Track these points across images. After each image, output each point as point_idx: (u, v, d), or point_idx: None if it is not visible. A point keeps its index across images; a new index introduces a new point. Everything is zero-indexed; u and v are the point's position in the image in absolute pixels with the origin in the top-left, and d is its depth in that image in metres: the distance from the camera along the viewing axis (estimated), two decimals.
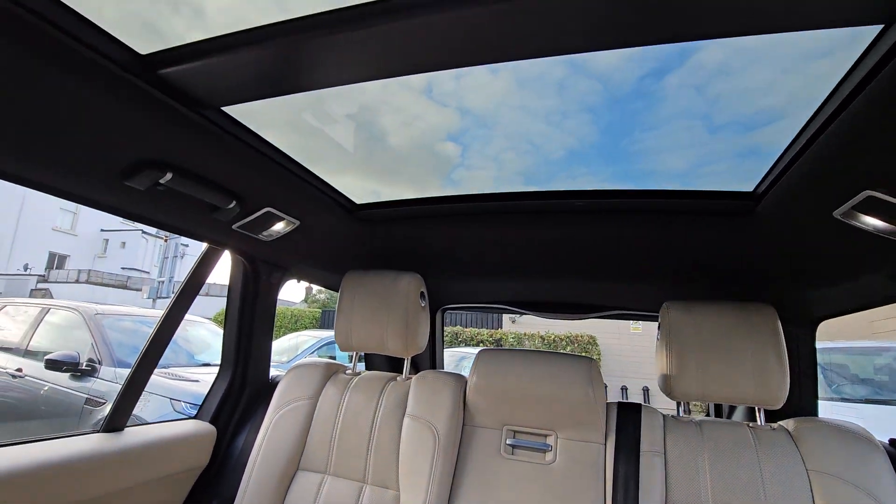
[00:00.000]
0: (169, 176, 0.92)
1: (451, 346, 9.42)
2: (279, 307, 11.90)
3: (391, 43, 0.68)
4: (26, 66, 0.66)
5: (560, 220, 1.29)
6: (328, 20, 0.68)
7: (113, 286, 15.35)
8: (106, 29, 0.71)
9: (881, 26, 0.58)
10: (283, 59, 0.74)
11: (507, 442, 1.29)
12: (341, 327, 1.44)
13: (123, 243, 19.89)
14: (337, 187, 1.30)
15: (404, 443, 1.27)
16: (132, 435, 1.24)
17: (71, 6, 0.65)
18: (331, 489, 1.29)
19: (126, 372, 1.26)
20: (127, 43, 0.74)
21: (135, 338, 4.51)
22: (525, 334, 10.37)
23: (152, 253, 19.22)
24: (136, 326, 4.61)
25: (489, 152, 1.44)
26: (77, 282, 15.00)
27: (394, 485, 1.26)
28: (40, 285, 14.31)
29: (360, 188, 1.38)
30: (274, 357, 1.76)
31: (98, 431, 1.21)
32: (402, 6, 0.63)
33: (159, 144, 0.88)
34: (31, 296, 12.68)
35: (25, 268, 15.45)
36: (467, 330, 10.59)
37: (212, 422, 1.46)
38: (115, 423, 1.24)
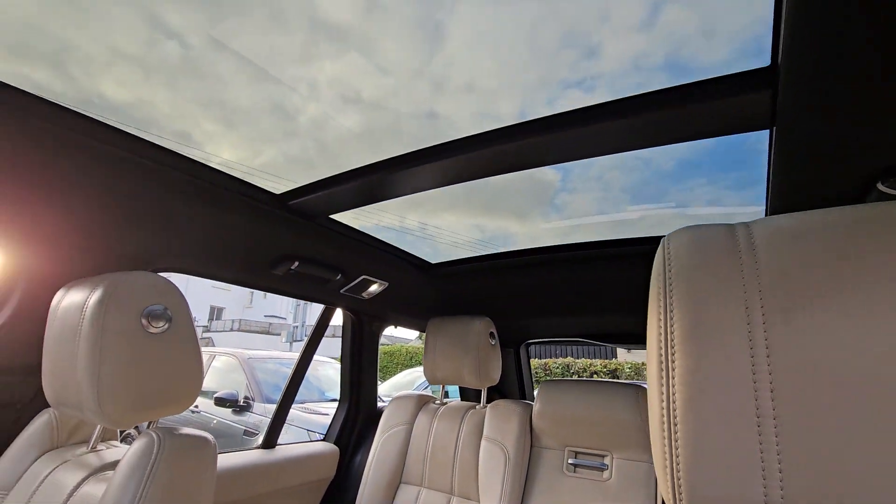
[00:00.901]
0: (297, 264, 1.34)
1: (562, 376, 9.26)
2: (397, 344, 12.83)
3: (448, 168, 1.02)
4: (210, 212, 1.11)
5: (626, 263, 1.48)
6: (406, 158, 1.03)
7: (258, 332, 17.67)
8: (258, 184, 1.15)
9: (767, 130, 0.77)
10: (375, 185, 1.11)
11: (569, 461, 1.48)
12: (428, 365, 1.76)
13: (265, 294, 22.91)
14: (442, 226, 1.66)
15: (482, 461, 1.53)
16: (281, 451, 1.67)
17: (239, 176, 1.10)
18: (426, 499, 1.58)
19: (272, 406, 1.67)
20: (270, 189, 1.18)
21: (276, 377, 5.31)
22: (643, 363, 9.83)
23: (287, 301, 21.82)
24: (276, 367, 5.46)
25: (591, 174, 1.54)
26: (231, 330, 17.56)
27: (475, 496, 1.51)
28: (205, 335, 17.02)
29: (463, 224, 1.61)
30: (393, 392, 2.14)
31: (258, 447, 1.65)
32: (456, 146, 0.97)
33: (291, 245, 1.31)
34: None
35: (195, 320, 18.62)
36: (579, 361, 10.35)
37: (335, 443, 1.86)
38: (269, 442, 1.68)
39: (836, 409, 0.31)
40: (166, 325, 0.79)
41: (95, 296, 0.75)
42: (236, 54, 1.05)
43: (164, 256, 1.15)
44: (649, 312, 0.40)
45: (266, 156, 1.31)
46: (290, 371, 1.81)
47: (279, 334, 16.06)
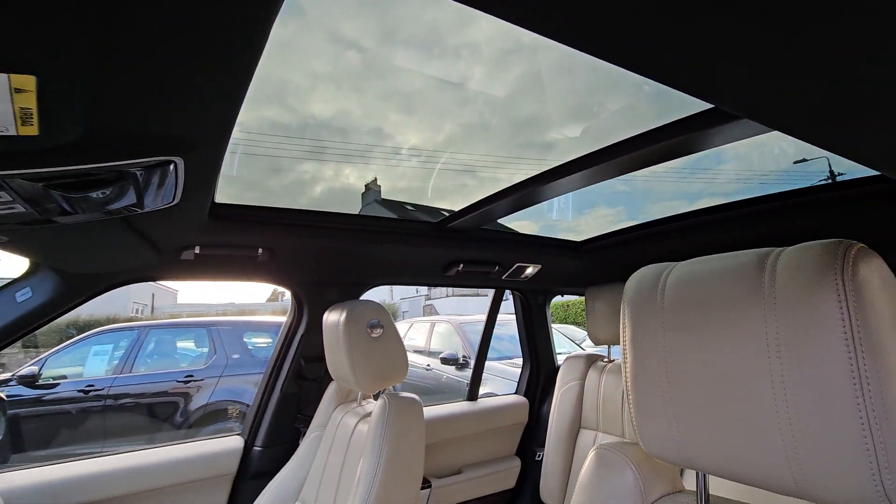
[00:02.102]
0: (461, 266, 1.76)
1: None
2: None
3: (595, 173, 1.28)
4: (396, 246, 1.59)
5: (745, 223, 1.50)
6: (553, 172, 1.29)
7: (469, 295, 19.66)
8: (423, 217, 1.59)
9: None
10: (522, 200, 1.41)
11: None
12: (591, 327, 2.01)
13: None
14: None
15: None
16: (481, 402, 2.16)
17: (411, 216, 1.55)
18: (602, 440, 1.88)
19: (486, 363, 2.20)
20: (431, 220, 1.61)
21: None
22: None
23: None
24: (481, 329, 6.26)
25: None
26: (447, 296, 19.94)
27: None
28: (427, 302, 19.75)
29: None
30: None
31: (465, 400, 2.18)
32: (605, 154, 1.23)
33: (453, 255, 1.73)
34: (423, 312, 17.74)
35: (416, 290, 21.70)
36: None
37: (525, 395, 2.28)
38: (472, 395, 2.19)
39: (700, 391, 0.54)
40: (381, 332, 1.28)
41: (343, 316, 1.28)
42: (403, 41, 1.40)
43: (376, 278, 1.71)
44: None
45: (447, 131, 1.74)
46: (497, 333, 2.30)
47: (487, 295, 17.57)
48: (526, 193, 1.33)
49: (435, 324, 7.27)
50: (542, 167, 1.26)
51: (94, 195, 0.68)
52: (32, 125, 0.44)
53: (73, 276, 1.27)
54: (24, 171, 0.53)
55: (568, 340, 6.30)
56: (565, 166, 1.21)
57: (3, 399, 1.34)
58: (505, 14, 0.34)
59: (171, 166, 0.67)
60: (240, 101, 0.59)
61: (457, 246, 1.69)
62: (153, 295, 17.29)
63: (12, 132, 0.44)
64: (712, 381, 0.52)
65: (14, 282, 1.28)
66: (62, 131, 0.49)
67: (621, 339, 0.63)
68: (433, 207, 1.69)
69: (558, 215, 2.21)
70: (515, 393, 2.35)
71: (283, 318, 1.80)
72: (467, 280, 1.97)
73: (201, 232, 1.24)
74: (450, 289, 20.51)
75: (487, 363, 5.58)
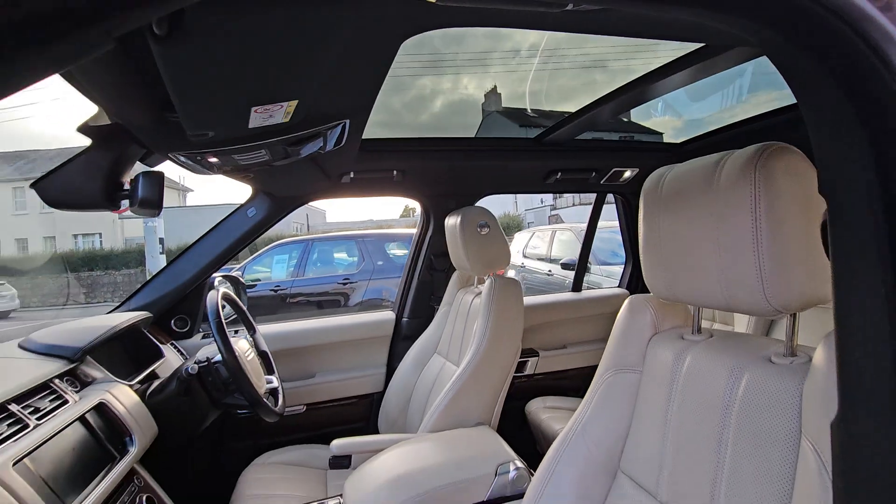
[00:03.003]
0: (559, 174, 2.02)
1: None
2: None
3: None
4: (499, 161, 1.90)
5: None
6: (654, 73, 1.53)
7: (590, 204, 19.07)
8: (545, 122, 1.87)
9: None
10: (622, 104, 1.62)
11: None
12: None
13: None
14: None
15: None
16: (585, 293, 2.49)
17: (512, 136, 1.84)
18: None
19: (605, 268, 2.46)
20: (527, 136, 1.88)
21: (608, 244, 6.19)
22: None
23: None
24: (609, 236, 6.33)
25: None
26: (573, 205, 19.59)
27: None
28: (552, 212, 19.70)
29: None
30: None
31: (570, 291, 2.53)
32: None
33: (551, 166, 1.99)
34: (549, 221, 17.85)
35: (541, 201, 21.66)
36: None
37: (626, 288, 2.54)
38: (576, 288, 2.52)
39: (677, 250, 0.82)
40: (488, 230, 1.66)
41: (459, 220, 1.68)
42: None
43: (486, 188, 2.07)
44: None
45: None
46: (609, 237, 2.57)
47: (612, 203, 16.90)
48: (630, 95, 1.47)
49: (556, 232, 7.49)
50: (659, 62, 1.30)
51: (300, 147, 1.13)
52: (288, 117, 0.86)
53: (278, 199, 1.86)
54: (277, 138, 0.97)
55: None
56: (676, 62, 1.26)
57: (241, 280, 2.04)
58: None
59: (341, 125, 1.07)
60: (384, 78, 0.95)
61: (554, 157, 1.94)
62: (307, 215, 19.97)
63: (281, 121, 0.87)
64: (682, 242, 0.80)
65: (243, 205, 1.90)
66: (299, 118, 0.91)
67: (639, 221, 0.91)
68: (556, 111, 1.92)
69: (659, 115, 2.27)
70: (618, 286, 2.62)
71: (414, 231, 2.28)
72: (566, 186, 2.22)
73: (355, 162, 1.70)
74: (576, 197, 20.06)
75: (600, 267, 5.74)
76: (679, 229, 0.80)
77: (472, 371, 1.49)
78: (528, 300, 2.23)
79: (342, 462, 1.41)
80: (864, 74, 0.45)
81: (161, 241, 8.79)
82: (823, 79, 0.47)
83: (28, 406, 0.99)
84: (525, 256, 7.94)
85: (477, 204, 2.04)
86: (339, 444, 1.43)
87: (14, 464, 0.81)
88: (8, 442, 0.87)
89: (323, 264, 7.59)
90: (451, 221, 1.76)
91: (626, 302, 1.02)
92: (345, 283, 6.92)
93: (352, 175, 1.82)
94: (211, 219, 2.15)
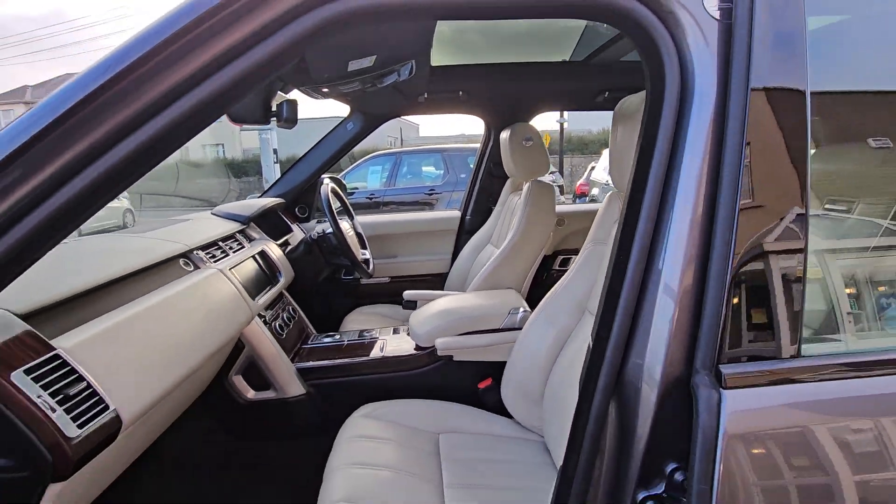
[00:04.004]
0: (607, 94, 2.28)
1: None
2: None
3: None
4: (554, 80, 2.22)
5: None
6: None
7: None
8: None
9: None
10: None
11: None
12: None
13: None
14: None
15: None
16: None
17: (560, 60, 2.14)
18: None
19: None
20: (579, 58, 2.15)
21: None
22: None
23: None
24: None
25: None
26: None
27: None
28: None
29: None
30: None
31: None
32: None
33: (599, 84, 2.25)
34: None
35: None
36: None
37: None
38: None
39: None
40: (531, 143, 2.05)
41: (509, 134, 2.08)
42: None
43: (539, 107, 2.41)
44: None
45: None
46: None
47: None
48: None
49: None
50: None
51: (381, 79, 1.59)
52: (371, 62, 1.34)
53: (370, 116, 2.38)
54: (366, 75, 1.45)
55: None
56: None
57: (342, 180, 2.63)
58: None
59: (409, 64, 1.52)
60: (433, 33, 1.36)
61: (601, 77, 2.20)
62: (401, 129, 20.63)
63: (368, 66, 1.35)
64: None
65: (343, 121, 2.45)
66: (379, 62, 1.39)
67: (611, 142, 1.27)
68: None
69: None
70: None
71: None
72: (615, 104, 2.46)
73: (427, 85, 2.13)
74: None
75: None
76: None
77: (508, 252, 1.98)
78: (585, 207, 2.60)
79: (411, 305, 2.03)
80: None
81: (275, 151, 9.96)
82: None
83: (225, 243, 1.67)
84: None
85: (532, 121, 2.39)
86: (409, 293, 2.05)
87: (230, 268, 1.48)
88: (223, 259, 1.54)
89: (412, 176, 8.25)
90: (504, 135, 2.15)
91: (606, 196, 1.41)
92: (430, 194, 7.55)
93: (426, 95, 2.25)
94: (316, 130, 2.76)
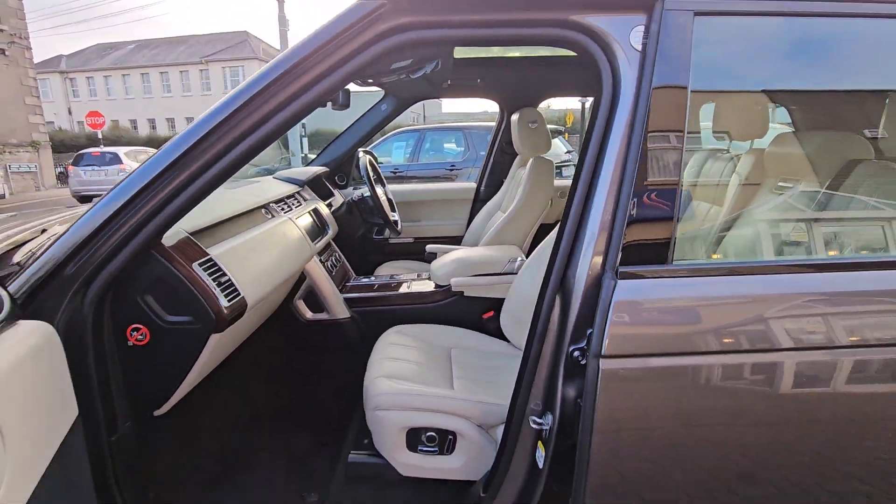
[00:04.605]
0: None
1: None
2: None
3: None
4: (554, 70, 2.60)
5: None
6: None
7: None
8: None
9: None
10: None
11: None
12: None
13: None
14: None
15: None
16: None
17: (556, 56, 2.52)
18: None
19: None
20: None
21: None
22: None
23: None
24: None
25: None
26: None
27: None
28: None
29: None
30: None
31: None
32: None
33: None
34: None
35: None
36: None
37: None
38: None
39: None
40: (536, 125, 2.45)
41: (517, 117, 2.48)
42: None
43: (544, 94, 2.79)
44: None
45: None
46: None
47: None
48: None
49: None
50: None
51: (414, 73, 2.01)
52: (408, 62, 1.76)
53: (400, 99, 2.80)
54: (403, 70, 1.87)
55: None
56: None
57: (374, 154, 3.07)
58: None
59: (436, 61, 1.93)
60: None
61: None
62: (423, 105, 20.83)
63: (405, 64, 1.77)
64: None
65: (378, 103, 2.87)
66: (413, 60, 1.80)
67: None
68: None
69: None
70: None
71: None
72: None
73: (451, 73, 2.53)
74: None
75: None
76: None
77: (512, 215, 2.41)
78: None
79: (432, 256, 2.48)
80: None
81: (303, 125, 10.43)
82: None
83: (290, 200, 2.14)
84: None
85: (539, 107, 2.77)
86: (430, 247, 2.51)
87: (296, 218, 1.95)
88: (289, 212, 2.01)
89: (434, 152, 8.63)
90: (514, 118, 2.55)
91: None
92: (451, 170, 7.94)
93: (449, 82, 2.66)
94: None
